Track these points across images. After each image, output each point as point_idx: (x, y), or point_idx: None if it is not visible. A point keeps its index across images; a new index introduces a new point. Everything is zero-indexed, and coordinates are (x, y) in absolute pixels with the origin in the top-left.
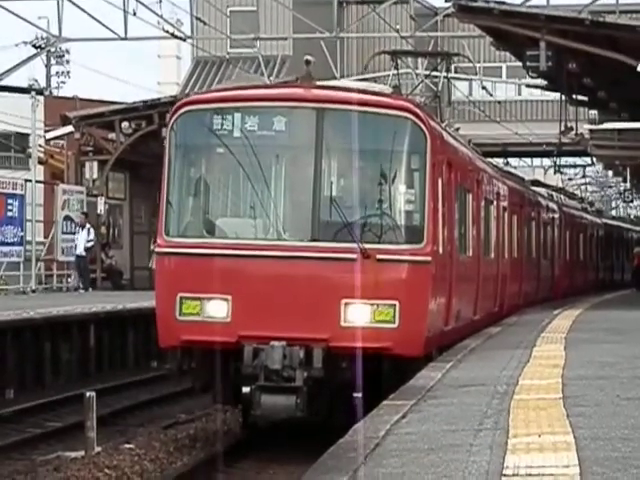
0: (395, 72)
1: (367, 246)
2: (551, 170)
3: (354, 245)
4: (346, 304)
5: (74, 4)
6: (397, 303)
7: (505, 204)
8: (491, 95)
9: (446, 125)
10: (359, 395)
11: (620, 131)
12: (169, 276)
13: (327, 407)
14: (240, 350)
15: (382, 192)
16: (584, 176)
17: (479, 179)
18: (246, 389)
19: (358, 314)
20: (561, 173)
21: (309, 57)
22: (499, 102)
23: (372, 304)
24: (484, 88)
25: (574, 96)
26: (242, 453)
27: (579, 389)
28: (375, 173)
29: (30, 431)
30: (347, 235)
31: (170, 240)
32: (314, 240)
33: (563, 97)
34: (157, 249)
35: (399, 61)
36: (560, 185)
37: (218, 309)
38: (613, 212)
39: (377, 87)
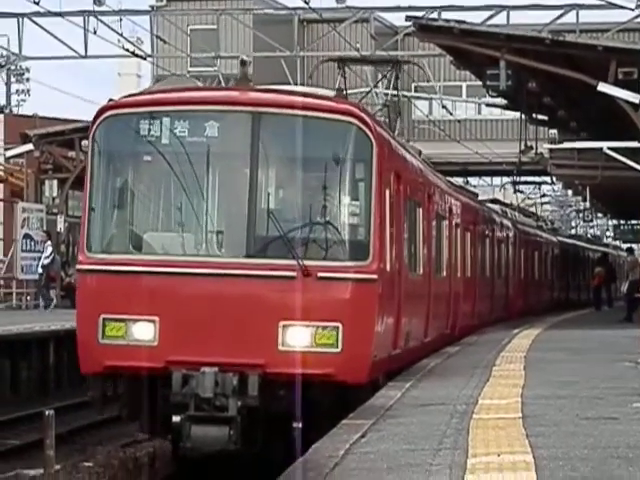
0: (342, 81)
1: (307, 263)
2: (510, 189)
3: (293, 262)
4: (284, 326)
5: (34, 22)
6: (340, 325)
7: (458, 220)
8: (451, 114)
9: (396, 134)
10: (298, 425)
11: (580, 150)
12: (91, 296)
13: (263, 438)
14: (168, 376)
15: (324, 204)
16: (543, 195)
17: (430, 193)
18: (176, 418)
19: (297, 337)
20: (520, 192)
21: (244, 57)
22: (459, 121)
23: (313, 326)
24: (444, 107)
25: (534, 115)
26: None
27: (538, 408)
28: (316, 183)
29: None
30: (285, 251)
31: (92, 256)
32: (249, 256)
33: (523, 116)
34: (78, 266)
35: (350, 72)
36: (520, 204)
37: (144, 332)
38: (573, 231)
39: (319, 91)
